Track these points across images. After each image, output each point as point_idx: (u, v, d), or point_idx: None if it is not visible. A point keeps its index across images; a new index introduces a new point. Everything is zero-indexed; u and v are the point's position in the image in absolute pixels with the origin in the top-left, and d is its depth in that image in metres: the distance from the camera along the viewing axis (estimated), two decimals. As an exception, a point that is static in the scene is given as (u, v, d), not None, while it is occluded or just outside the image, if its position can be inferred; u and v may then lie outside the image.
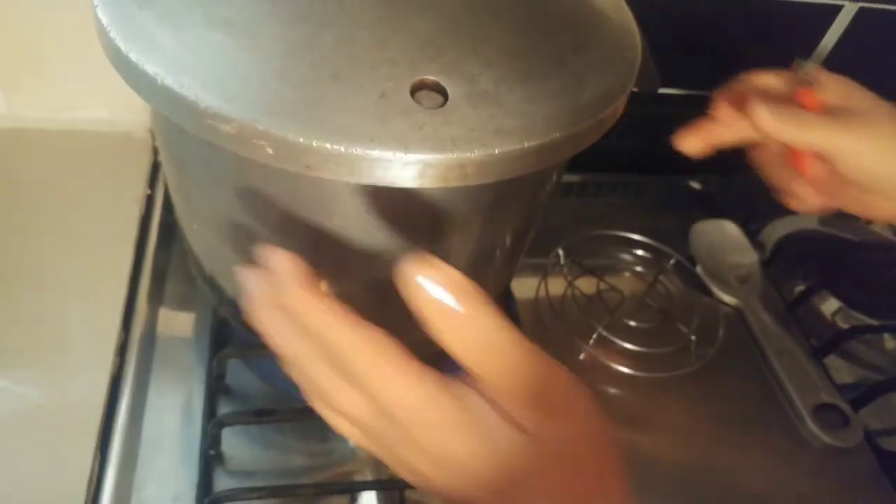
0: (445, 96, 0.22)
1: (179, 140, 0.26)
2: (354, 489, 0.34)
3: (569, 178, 0.54)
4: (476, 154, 0.21)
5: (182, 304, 0.42)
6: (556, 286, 0.47)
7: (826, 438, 0.41)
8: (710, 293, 0.49)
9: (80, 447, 0.33)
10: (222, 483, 0.34)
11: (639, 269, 0.50)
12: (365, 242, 0.26)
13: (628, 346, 0.44)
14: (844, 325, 0.48)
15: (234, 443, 0.36)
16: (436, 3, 0.24)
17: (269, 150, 0.20)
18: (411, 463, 0.20)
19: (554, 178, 0.30)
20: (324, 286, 0.21)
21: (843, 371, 0.46)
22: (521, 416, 0.19)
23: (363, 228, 0.25)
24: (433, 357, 0.32)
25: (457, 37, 0.23)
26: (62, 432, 0.33)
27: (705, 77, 0.54)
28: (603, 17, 0.28)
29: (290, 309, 0.20)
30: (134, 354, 0.37)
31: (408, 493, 0.34)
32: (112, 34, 0.22)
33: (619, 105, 0.26)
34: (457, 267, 0.29)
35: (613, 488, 0.20)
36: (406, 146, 0.21)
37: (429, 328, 0.20)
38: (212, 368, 0.37)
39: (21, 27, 0.43)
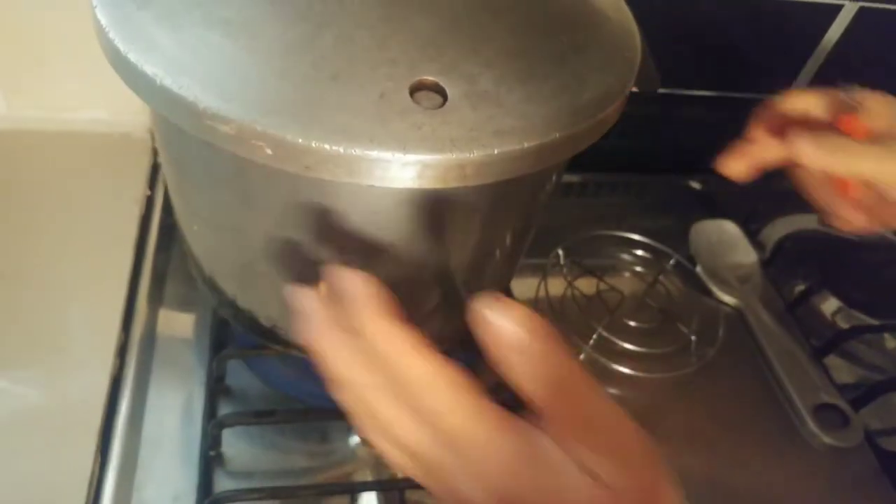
0: (445, 97, 0.22)
1: (179, 141, 0.26)
2: (355, 490, 0.34)
3: (569, 178, 0.54)
4: (475, 154, 0.21)
5: (182, 305, 0.42)
6: (556, 286, 0.47)
7: (826, 438, 0.41)
8: (710, 293, 0.49)
9: (81, 448, 0.33)
10: (222, 484, 0.34)
11: (639, 269, 0.50)
12: (364, 243, 0.26)
13: (628, 346, 0.44)
14: (844, 325, 0.48)
15: (234, 443, 0.36)
16: (436, 3, 0.24)
17: (268, 151, 0.20)
18: (468, 497, 0.20)
19: (554, 178, 0.30)
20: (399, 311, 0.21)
21: (843, 371, 0.46)
22: (593, 462, 0.18)
23: (362, 229, 0.25)
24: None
25: (457, 37, 0.23)
26: (62, 433, 0.33)
27: (705, 77, 0.54)
28: (603, 17, 0.28)
29: (360, 334, 0.20)
30: (134, 355, 0.37)
31: (408, 494, 0.34)
32: (111, 35, 0.22)
33: (619, 105, 0.26)
34: (457, 267, 0.30)
35: None
36: (405, 147, 0.21)
37: (499, 365, 0.19)
38: (212, 369, 0.37)
39: (21, 28, 0.43)
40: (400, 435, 0.20)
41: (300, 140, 0.20)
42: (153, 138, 0.47)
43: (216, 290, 0.32)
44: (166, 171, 0.31)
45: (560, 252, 0.48)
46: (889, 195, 0.29)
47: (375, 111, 0.21)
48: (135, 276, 0.40)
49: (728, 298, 0.48)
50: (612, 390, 0.42)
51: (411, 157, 0.21)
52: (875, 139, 0.28)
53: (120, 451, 0.33)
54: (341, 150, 0.20)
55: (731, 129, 0.60)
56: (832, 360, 0.46)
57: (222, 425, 0.34)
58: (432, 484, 0.21)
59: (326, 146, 0.20)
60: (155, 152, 0.46)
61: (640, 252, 0.50)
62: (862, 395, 0.43)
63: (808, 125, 0.30)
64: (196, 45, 0.21)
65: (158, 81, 0.21)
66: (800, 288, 0.50)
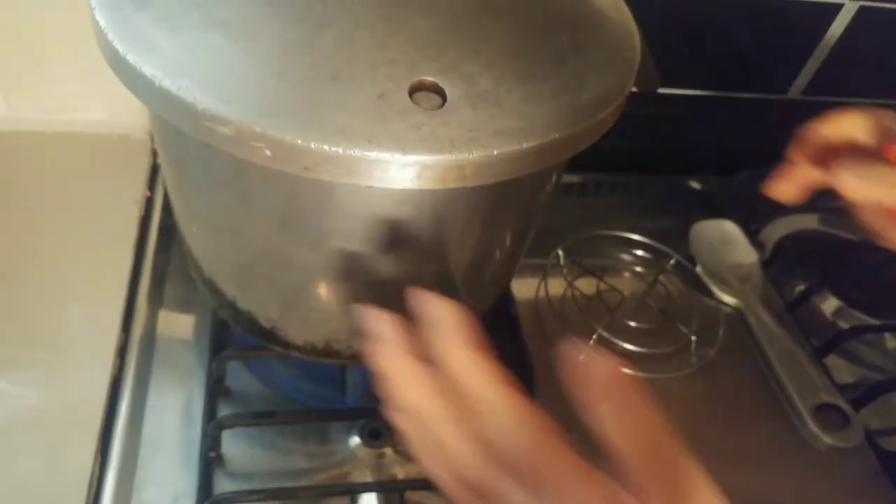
0: (444, 97, 0.22)
1: (178, 142, 0.26)
2: (355, 491, 0.34)
3: (569, 178, 0.54)
4: (475, 155, 0.21)
5: (182, 306, 0.42)
6: (556, 286, 0.47)
7: (827, 438, 0.41)
8: (710, 293, 0.49)
9: (81, 449, 0.33)
10: (222, 485, 0.34)
11: (639, 269, 0.50)
12: (364, 243, 0.26)
13: (628, 346, 0.43)
14: (845, 325, 0.48)
15: (234, 444, 0.35)
16: (435, 3, 0.24)
17: (267, 152, 0.20)
18: None
19: (553, 178, 0.30)
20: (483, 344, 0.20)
21: (843, 371, 0.46)
22: None
23: (362, 229, 0.25)
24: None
25: (456, 37, 0.23)
26: (62, 434, 0.33)
27: (705, 77, 0.54)
28: (602, 17, 0.28)
29: (439, 362, 0.19)
30: (134, 356, 0.37)
31: (408, 495, 0.34)
32: (110, 36, 0.22)
33: (619, 105, 0.25)
34: (456, 268, 0.29)
35: None
36: (404, 147, 0.20)
37: (587, 411, 0.19)
38: (211, 370, 0.37)
39: (20, 29, 0.43)
40: (465, 469, 0.19)
41: (299, 141, 0.20)
42: (152, 139, 0.47)
43: (216, 292, 0.32)
44: (165, 173, 0.31)
45: (560, 252, 0.48)
46: None
47: (375, 112, 0.21)
48: (134, 277, 0.40)
49: (728, 298, 0.48)
50: (613, 390, 0.42)
51: (411, 158, 0.21)
52: None
53: (120, 452, 0.33)
54: (340, 150, 0.20)
55: (731, 129, 0.60)
56: (832, 360, 0.46)
57: (222, 426, 0.34)
58: None
59: (325, 147, 0.20)
60: (154, 153, 0.46)
61: (640, 252, 0.50)
62: (862, 395, 0.43)
63: (852, 150, 0.28)
64: (195, 47, 0.21)
65: (157, 83, 0.21)
66: (800, 288, 0.50)
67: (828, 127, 0.31)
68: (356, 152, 0.20)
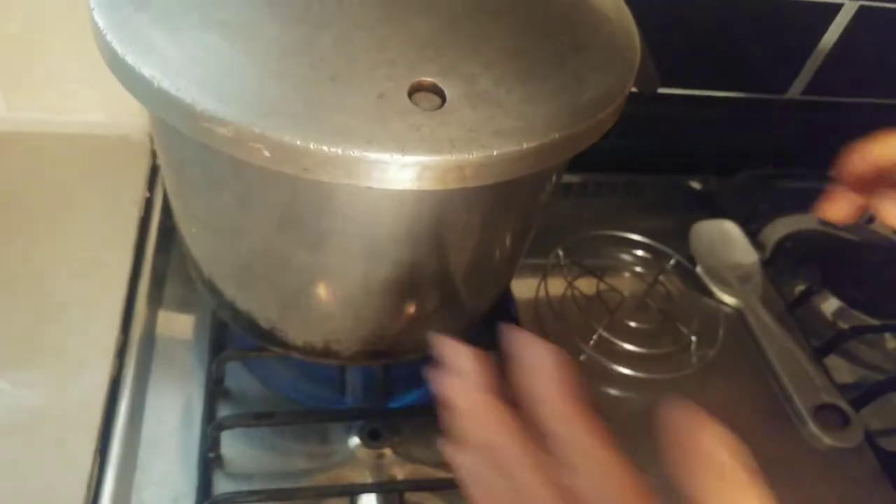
0: (444, 97, 0.22)
1: (177, 143, 0.26)
2: (354, 491, 0.34)
3: (569, 178, 0.54)
4: (474, 155, 0.21)
5: (181, 307, 0.41)
6: (556, 287, 0.47)
7: (827, 439, 0.41)
8: (710, 293, 0.48)
9: (80, 449, 0.32)
10: (222, 486, 0.34)
11: (639, 269, 0.50)
12: (363, 244, 0.26)
13: (628, 346, 0.43)
14: (845, 325, 0.47)
15: (233, 445, 0.35)
16: (435, 3, 0.24)
17: (266, 153, 0.20)
18: None
19: (553, 178, 0.30)
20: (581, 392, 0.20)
21: (843, 371, 0.46)
22: None
23: (361, 230, 0.25)
24: (426, 359, 0.32)
25: (456, 37, 0.23)
26: (61, 434, 0.33)
27: (705, 77, 0.54)
28: (602, 18, 0.28)
29: (533, 409, 0.19)
30: (133, 357, 0.37)
31: (408, 496, 0.34)
32: (108, 37, 0.22)
33: (619, 105, 0.25)
34: (456, 268, 0.29)
35: None
36: (404, 148, 0.20)
37: (692, 479, 0.19)
38: (211, 371, 0.37)
39: (19, 30, 0.42)
40: None
41: (298, 142, 0.20)
42: (152, 140, 0.47)
43: (215, 292, 0.32)
44: (165, 174, 0.31)
45: (560, 252, 0.48)
46: None
47: (374, 112, 0.21)
48: (134, 278, 0.40)
49: (728, 299, 0.48)
50: (613, 391, 0.42)
51: (410, 159, 0.21)
52: None
53: (119, 453, 0.33)
54: (340, 151, 0.20)
55: (731, 129, 0.60)
56: (832, 360, 0.46)
57: (221, 427, 0.34)
58: None
59: (325, 148, 0.20)
60: (154, 154, 0.46)
61: (640, 252, 0.50)
62: (862, 396, 0.43)
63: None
64: (194, 48, 0.21)
65: (156, 84, 0.21)
66: (800, 288, 0.50)
67: (875, 148, 0.30)
68: (355, 153, 0.20)
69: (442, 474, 0.36)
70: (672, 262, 0.49)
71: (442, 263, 0.28)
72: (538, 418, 0.20)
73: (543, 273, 0.47)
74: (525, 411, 0.20)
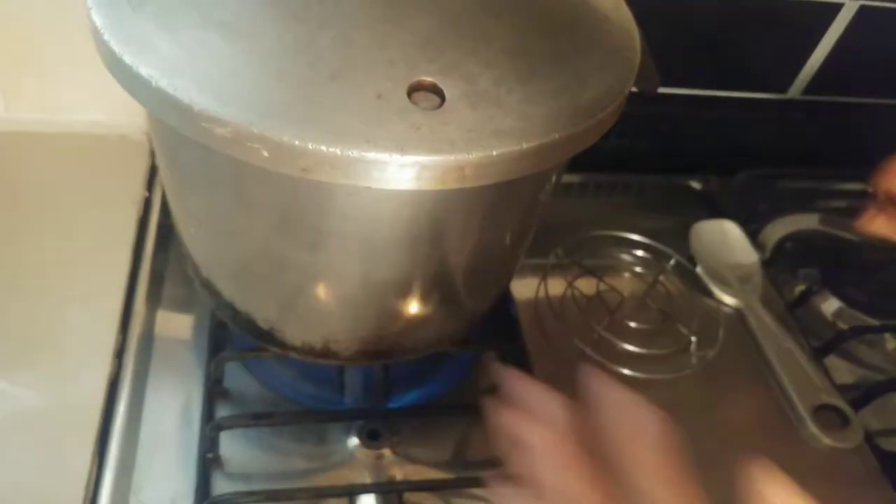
0: (443, 97, 0.22)
1: (174, 143, 0.26)
2: (353, 492, 0.34)
3: (569, 178, 0.54)
4: (474, 155, 0.21)
5: (180, 307, 0.41)
6: (556, 287, 0.46)
7: (826, 439, 0.41)
8: (710, 294, 0.48)
9: (78, 450, 0.32)
10: (220, 486, 0.34)
11: (639, 269, 0.49)
12: (362, 244, 0.26)
13: (628, 347, 0.43)
14: (844, 326, 0.47)
15: (232, 445, 0.35)
16: (434, 3, 0.24)
17: (265, 153, 0.20)
18: None
19: (553, 178, 0.30)
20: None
21: (843, 371, 0.46)
22: None
23: (360, 230, 0.25)
24: (426, 359, 0.32)
25: (455, 37, 0.23)
26: (60, 435, 0.33)
27: (705, 77, 0.54)
28: (602, 18, 0.28)
29: (635, 471, 0.19)
30: (132, 357, 0.37)
31: (407, 497, 0.34)
32: (106, 36, 0.21)
33: (619, 105, 0.25)
34: (456, 269, 0.29)
35: None
36: (403, 148, 0.20)
37: None
38: (210, 371, 0.37)
39: (18, 29, 0.42)
40: None
41: (297, 142, 0.20)
42: (151, 140, 0.46)
43: (214, 293, 0.32)
44: (163, 174, 0.31)
45: (560, 252, 0.48)
46: None
47: (373, 112, 0.21)
48: (133, 278, 0.40)
49: (728, 299, 0.48)
50: (612, 391, 0.42)
51: (409, 159, 0.20)
52: None
53: (117, 454, 0.33)
54: (338, 151, 0.20)
55: (731, 129, 0.60)
56: (832, 361, 0.46)
57: (220, 427, 0.34)
58: None
59: (323, 148, 0.20)
60: (153, 154, 0.46)
61: (640, 252, 0.50)
62: (862, 396, 0.43)
63: None
64: (192, 47, 0.21)
65: (154, 83, 0.20)
66: (800, 288, 0.50)
67: None
68: (354, 153, 0.20)
69: (441, 475, 0.36)
70: (672, 262, 0.49)
71: (441, 264, 0.28)
72: (625, 474, 0.19)
73: (543, 273, 0.47)
74: (602, 460, 0.19)
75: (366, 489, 0.34)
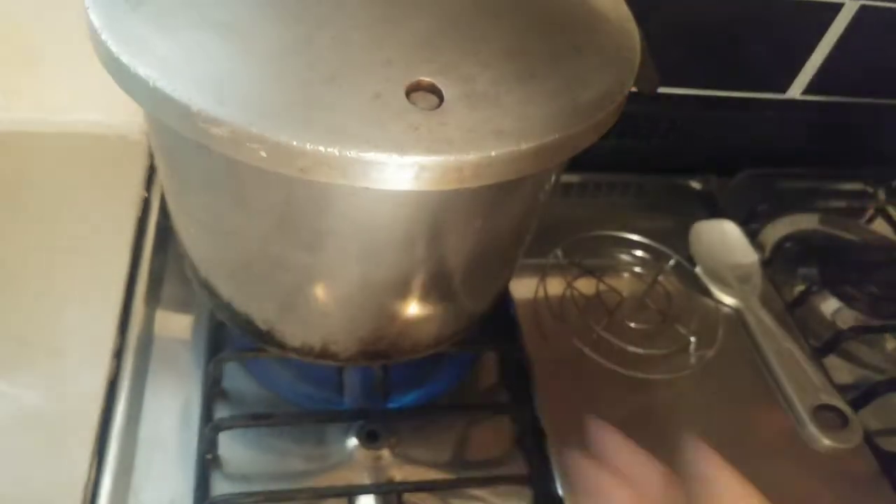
0: (441, 97, 0.22)
1: (173, 143, 0.26)
2: (352, 493, 0.34)
3: (568, 178, 0.54)
4: (472, 156, 0.21)
5: (179, 307, 0.41)
6: (555, 287, 0.46)
7: (826, 439, 0.41)
8: (709, 294, 0.48)
9: (77, 451, 0.32)
10: (219, 487, 0.34)
11: (638, 269, 0.49)
12: (361, 245, 0.26)
13: (627, 347, 0.43)
14: (844, 325, 0.47)
15: (231, 446, 0.35)
16: (433, 3, 0.24)
17: (263, 154, 0.20)
18: None
19: (553, 178, 0.30)
20: None
21: (842, 371, 0.46)
22: None
23: (359, 231, 0.25)
24: (425, 360, 0.32)
25: (454, 37, 0.23)
26: (59, 436, 0.33)
27: (705, 77, 0.54)
28: (602, 18, 0.27)
29: None
30: (131, 357, 0.37)
31: (406, 497, 0.34)
32: (104, 36, 0.21)
33: (619, 105, 0.25)
34: (455, 269, 0.29)
35: None
36: (401, 148, 0.20)
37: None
38: (208, 372, 0.37)
39: (16, 29, 0.42)
40: None
41: (295, 142, 0.20)
42: (150, 140, 0.46)
43: (212, 293, 0.32)
44: (161, 174, 0.31)
45: (559, 252, 0.48)
46: None
47: (371, 112, 0.21)
48: (131, 278, 0.40)
49: (728, 299, 0.48)
50: (612, 392, 0.42)
51: (407, 159, 0.20)
52: None
53: (116, 454, 0.33)
54: (336, 152, 0.20)
55: (731, 129, 0.60)
56: (832, 361, 0.46)
57: (219, 428, 0.34)
58: None
59: (321, 148, 0.20)
60: (152, 154, 0.46)
61: (639, 252, 0.50)
62: (861, 396, 0.43)
63: None
64: (190, 47, 0.21)
65: (151, 83, 0.20)
66: (799, 288, 0.50)
67: None
68: (352, 153, 0.20)
69: (440, 475, 0.36)
70: (671, 262, 0.49)
71: (440, 264, 0.28)
72: None
73: (542, 273, 0.47)
74: None
75: (365, 490, 0.34)
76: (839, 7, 0.50)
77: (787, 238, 0.52)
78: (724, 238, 0.51)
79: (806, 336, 0.46)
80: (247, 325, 0.32)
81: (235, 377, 0.38)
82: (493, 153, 0.21)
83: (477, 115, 0.22)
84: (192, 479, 0.33)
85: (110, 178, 0.44)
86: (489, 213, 0.27)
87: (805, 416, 0.42)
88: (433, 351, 0.34)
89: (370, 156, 0.20)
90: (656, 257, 0.50)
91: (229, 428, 0.35)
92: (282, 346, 0.32)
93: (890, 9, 0.50)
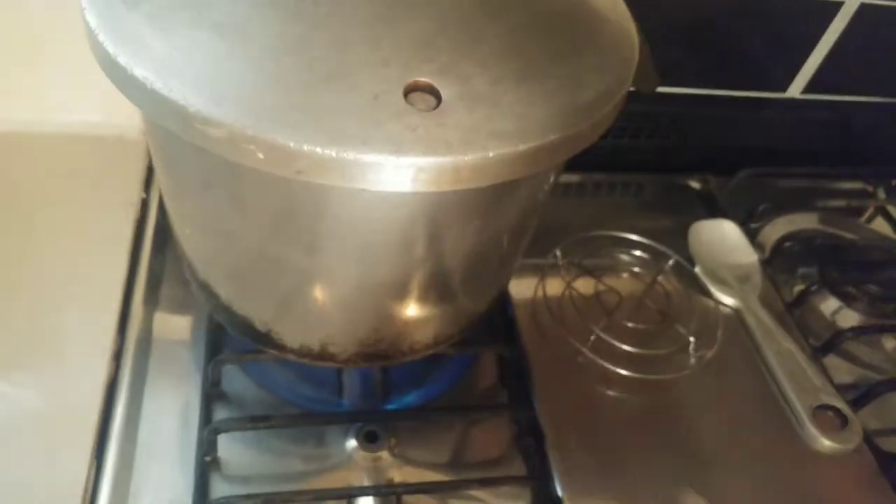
0: (439, 98, 0.21)
1: (169, 144, 0.26)
2: (352, 494, 0.34)
3: (568, 178, 0.54)
4: (470, 157, 0.21)
5: (178, 308, 0.41)
6: (554, 287, 0.46)
7: (825, 440, 0.41)
8: (708, 294, 0.48)
9: (76, 453, 0.32)
10: (219, 489, 0.34)
11: (637, 269, 0.49)
12: (359, 246, 0.26)
13: (626, 347, 0.43)
14: (844, 325, 0.47)
15: (230, 448, 0.35)
16: (431, 3, 0.24)
17: (260, 155, 0.20)
18: None
19: (551, 179, 0.30)
20: None
21: (842, 371, 0.46)
22: None
23: (356, 232, 0.25)
24: (424, 361, 0.32)
25: (452, 38, 0.23)
26: (58, 438, 0.33)
27: (705, 76, 0.54)
28: (600, 17, 0.27)
29: None
30: (130, 359, 0.37)
31: (405, 499, 0.34)
32: (100, 37, 0.21)
33: (618, 105, 0.25)
34: (453, 270, 0.29)
35: None
36: (399, 149, 0.20)
37: None
38: (207, 374, 0.37)
39: (13, 29, 0.42)
40: None
41: (292, 144, 0.20)
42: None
43: (211, 295, 0.32)
44: (158, 175, 0.30)
45: (558, 252, 0.48)
46: None
47: (369, 113, 0.21)
48: (130, 279, 0.40)
49: (727, 299, 0.48)
50: (610, 392, 0.42)
51: (405, 160, 0.20)
52: None
53: (115, 456, 0.33)
54: (334, 153, 0.20)
55: (731, 129, 0.60)
56: (831, 361, 0.46)
57: (218, 430, 0.34)
58: None
59: (318, 150, 0.20)
60: (150, 155, 0.46)
61: (638, 252, 0.50)
62: (861, 396, 0.43)
63: None
64: (187, 48, 0.21)
65: (148, 84, 0.20)
66: (799, 288, 0.50)
67: None
68: (350, 155, 0.20)
69: (439, 476, 0.36)
70: (671, 262, 0.49)
71: (438, 265, 0.28)
72: None
73: (541, 273, 0.47)
74: None
75: (364, 491, 0.34)
76: (839, 6, 0.49)
77: (786, 238, 0.52)
78: (723, 238, 0.51)
79: (806, 336, 0.46)
80: (245, 326, 0.32)
81: (234, 379, 0.38)
82: (491, 154, 0.21)
83: (475, 115, 0.21)
84: (191, 481, 0.33)
85: (109, 179, 0.44)
86: (487, 213, 0.27)
87: (805, 416, 0.42)
88: (432, 352, 0.34)
89: (368, 157, 0.20)
90: (656, 257, 0.50)
91: (228, 430, 0.35)
92: (280, 347, 0.32)
93: (890, 7, 0.50)
